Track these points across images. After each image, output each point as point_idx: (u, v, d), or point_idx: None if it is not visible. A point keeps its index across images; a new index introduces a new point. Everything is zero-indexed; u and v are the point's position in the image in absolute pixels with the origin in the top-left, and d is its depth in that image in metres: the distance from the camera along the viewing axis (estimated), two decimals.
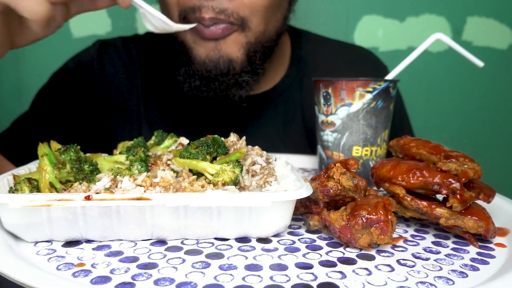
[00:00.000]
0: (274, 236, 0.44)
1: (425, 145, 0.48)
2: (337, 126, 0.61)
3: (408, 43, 1.21)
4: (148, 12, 0.60)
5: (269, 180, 0.45)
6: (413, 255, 0.41)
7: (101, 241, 0.42)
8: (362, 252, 0.41)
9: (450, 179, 0.43)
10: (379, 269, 0.38)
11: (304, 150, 0.83)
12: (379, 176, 0.48)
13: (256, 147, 0.51)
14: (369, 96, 0.59)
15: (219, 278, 0.35)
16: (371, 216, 0.39)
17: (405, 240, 0.45)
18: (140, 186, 0.43)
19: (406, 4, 1.19)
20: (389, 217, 0.40)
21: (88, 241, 0.42)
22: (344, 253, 0.41)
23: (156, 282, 0.34)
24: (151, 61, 0.86)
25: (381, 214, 0.39)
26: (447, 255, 0.41)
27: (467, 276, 0.37)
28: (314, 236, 0.45)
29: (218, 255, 0.40)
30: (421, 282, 0.35)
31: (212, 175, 0.44)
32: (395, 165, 0.47)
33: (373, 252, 0.41)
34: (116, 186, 0.43)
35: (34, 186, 0.44)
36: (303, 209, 0.49)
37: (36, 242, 0.42)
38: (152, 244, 0.42)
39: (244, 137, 0.50)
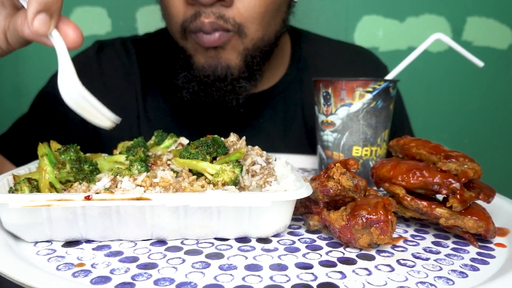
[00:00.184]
0: (274, 236, 0.44)
1: (425, 145, 0.48)
2: (337, 126, 0.61)
3: (408, 43, 1.21)
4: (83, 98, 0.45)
5: (269, 180, 0.45)
6: (413, 255, 0.41)
7: (101, 241, 0.42)
8: (362, 252, 0.41)
9: (450, 179, 0.43)
10: (379, 269, 0.38)
11: (304, 149, 0.83)
12: (379, 176, 0.48)
13: (256, 147, 0.51)
14: (369, 96, 0.59)
15: (219, 278, 0.35)
16: (371, 216, 0.39)
17: (405, 240, 0.45)
18: (140, 186, 0.43)
19: (406, 4, 1.19)
20: (389, 217, 0.40)
21: (88, 241, 0.42)
22: (344, 253, 0.41)
23: (156, 282, 0.34)
24: (150, 61, 0.86)
25: (381, 214, 0.39)
26: (447, 255, 0.41)
27: (467, 276, 0.37)
28: (314, 236, 0.45)
29: (218, 255, 0.40)
30: (421, 282, 0.35)
31: (212, 175, 0.44)
32: (395, 165, 0.47)
33: (373, 252, 0.41)
34: (116, 186, 0.43)
35: (34, 186, 0.44)
36: (303, 209, 0.49)
37: (36, 242, 0.42)
38: (152, 244, 0.42)
39: (244, 137, 0.50)
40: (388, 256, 0.40)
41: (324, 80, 0.61)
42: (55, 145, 0.50)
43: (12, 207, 0.38)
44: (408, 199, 0.45)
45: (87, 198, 0.39)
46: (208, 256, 0.39)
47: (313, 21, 1.19)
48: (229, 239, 0.43)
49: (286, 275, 0.36)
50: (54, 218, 0.40)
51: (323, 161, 0.65)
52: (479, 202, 0.45)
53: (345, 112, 0.60)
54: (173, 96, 0.84)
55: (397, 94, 0.82)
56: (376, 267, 0.38)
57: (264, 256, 0.40)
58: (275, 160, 0.51)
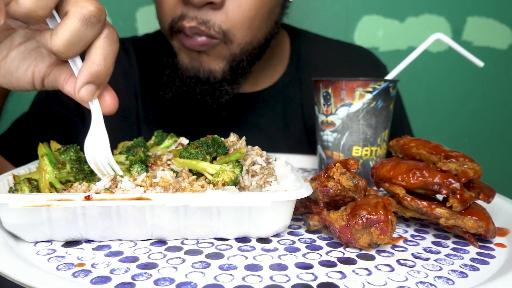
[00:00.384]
0: (274, 236, 0.44)
1: (425, 145, 0.48)
2: (337, 126, 0.61)
3: (408, 43, 1.21)
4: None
5: (269, 180, 0.45)
6: (413, 255, 0.41)
7: (101, 241, 0.42)
8: (362, 252, 0.41)
9: (450, 179, 0.43)
10: (379, 269, 0.38)
11: (304, 148, 0.83)
12: (379, 176, 0.48)
13: (256, 147, 0.51)
14: (369, 96, 0.59)
15: (219, 278, 0.35)
16: (371, 216, 0.39)
17: (405, 240, 0.45)
18: (140, 186, 0.43)
19: (406, 4, 1.19)
20: (389, 217, 0.40)
21: (88, 241, 0.42)
22: (344, 253, 0.41)
23: (156, 282, 0.34)
24: (149, 62, 0.86)
25: (381, 214, 0.39)
26: (447, 255, 0.41)
27: (467, 276, 0.37)
28: (314, 236, 0.45)
29: (218, 255, 0.40)
30: (421, 282, 0.35)
31: (212, 175, 0.44)
32: (395, 165, 0.47)
33: (373, 252, 0.41)
34: (116, 186, 0.43)
35: (34, 186, 0.44)
36: (303, 209, 0.49)
37: (36, 242, 0.42)
38: (152, 244, 0.42)
39: (244, 137, 0.50)
40: (388, 256, 0.40)
41: (324, 80, 0.61)
42: (55, 145, 0.50)
43: (12, 207, 0.38)
44: (408, 199, 0.45)
45: (87, 198, 0.39)
46: (208, 256, 0.39)
47: (313, 21, 1.19)
48: (229, 239, 0.43)
49: (286, 275, 0.36)
50: (54, 218, 0.40)
51: (323, 161, 0.65)
52: (479, 202, 0.45)
53: (345, 112, 0.60)
54: (164, 96, 0.84)
55: (397, 94, 0.82)
56: (376, 267, 0.38)
57: (264, 256, 0.40)
58: (275, 160, 0.51)
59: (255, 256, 0.40)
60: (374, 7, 1.19)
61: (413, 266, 0.38)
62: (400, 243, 0.44)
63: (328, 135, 0.63)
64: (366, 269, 0.38)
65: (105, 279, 0.35)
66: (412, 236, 0.46)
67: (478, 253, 0.42)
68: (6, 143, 0.80)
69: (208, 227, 0.42)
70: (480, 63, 0.60)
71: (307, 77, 0.86)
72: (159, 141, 0.57)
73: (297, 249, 0.41)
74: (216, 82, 0.72)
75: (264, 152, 0.51)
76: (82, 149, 0.47)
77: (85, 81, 0.41)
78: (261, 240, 0.43)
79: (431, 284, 0.35)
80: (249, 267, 0.37)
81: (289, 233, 0.46)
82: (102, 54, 0.41)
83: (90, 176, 0.46)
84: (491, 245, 0.44)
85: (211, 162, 0.45)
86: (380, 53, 1.20)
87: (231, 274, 0.36)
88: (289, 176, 0.46)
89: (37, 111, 0.83)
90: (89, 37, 0.40)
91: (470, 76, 1.24)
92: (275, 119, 0.86)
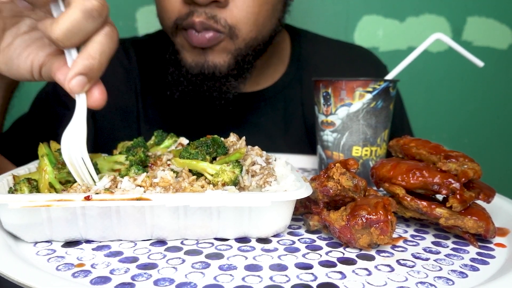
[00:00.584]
0: (274, 236, 0.44)
1: (425, 145, 0.48)
2: (337, 126, 0.61)
3: (408, 43, 1.21)
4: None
5: (269, 180, 0.45)
6: (413, 255, 0.41)
7: (100, 242, 0.42)
8: (362, 252, 0.41)
9: (450, 179, 0.43)
10: (379, 269, 0.38)
11: (304, 148, 0.83)
12: (379, 176, 0.48)
13: (256, 147, 0.51)
14: (369, 96, 0.59)
15: (219, 278, 0.35)
16: (371, 216, 0.39)
17: (405, 240, 0.45)
18: (140, 186, 0.43)
19: (406, 4, 1.19)
20: (389, 217, 0.40)
21: (88, 241, 0.42)
22: (344, 253, 0.41)
23: (156, 283, 0.34)
24: (149, 62, 0.86)
25: (381, 214, 0.39)
26: (447, 255, 0.41)
27: (467, 276, 0.37)
28: (314, 236, 0.45)
29: (218, 255, 0.40)
30: (421, 282, 0.35)
31: (212, 175, 0.44)
32: (395, 165, 0.47)
33: (373, 252, 0.41)
34: (116, 186, 0.43)
35: (34, 186, 0.44)
36: (303, 209, 0.49)
37: (36, 243, 0.42)
38: (152, 244, 0.42)
39: (243, 137, 0.50)
40: (388, 256, 0.40)
41: (324, 80, 0.61)
42: (55, 145, 0.50)
43: (11, 207, 0.38)
44: (408, 199, 0.45)
45: (87, 198, 0.39)
46: (208, 256, 0.39)
47: (313, 21, 1.19)
48: (229, 239, 0.43)
49: (286, 275, 0.36)
50: (54, 218, 0.40)
51: (323, 161, 0.65)
52: (479, 202, 0.45)
53: (345, 112, 0.60)
54: (172, 96, 0.84)
55: (397, 94, 0.82)
56: (376, 267, 0.38)
57: (264, 256, 0.40)
58: (275, 160, 0.51)
59: (255, 256, 0.40)
60: (374, 7, 1.19)
61: (413, 266, 0.38)
62: (400, 243, 0.44)
63: (328, 135, 0.63)
64: (366, 269, 0.38)
65: (105, 280, 0.35)
66: (412, 236, 0.46)
67: (478, 253, 0.42)
68: (6, 143, 0.80)
69: (208, 227, 0.42)
70: (480, 63, 0.60)
71: (308, 77, 0.86)
72: (159, 141, 0.57)
73: (297, 249, 0.41)
74: (222, 77, 0.72)
75: (264, 152, 0.51)
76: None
77: (78, 72, 0.41)
78: (261, 240, 0.43)
79: (431, 284, 0.35)
80: (249, 267, 0.37)
81: (289, 233, 0.46)
82: (98, 49, 0.41)
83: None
84: (491, 245, 0.44)
85: (211, 162, 0.45)
86: (380, 53, 1.20)
87: (231, 275, 0.36)
88: (289, 176, 0.46)
89: (38, 111, 0.83)
90: (88, 30, 0.40)
91: (470, 76, 1.24)
92: (275, 119, 0.86)
